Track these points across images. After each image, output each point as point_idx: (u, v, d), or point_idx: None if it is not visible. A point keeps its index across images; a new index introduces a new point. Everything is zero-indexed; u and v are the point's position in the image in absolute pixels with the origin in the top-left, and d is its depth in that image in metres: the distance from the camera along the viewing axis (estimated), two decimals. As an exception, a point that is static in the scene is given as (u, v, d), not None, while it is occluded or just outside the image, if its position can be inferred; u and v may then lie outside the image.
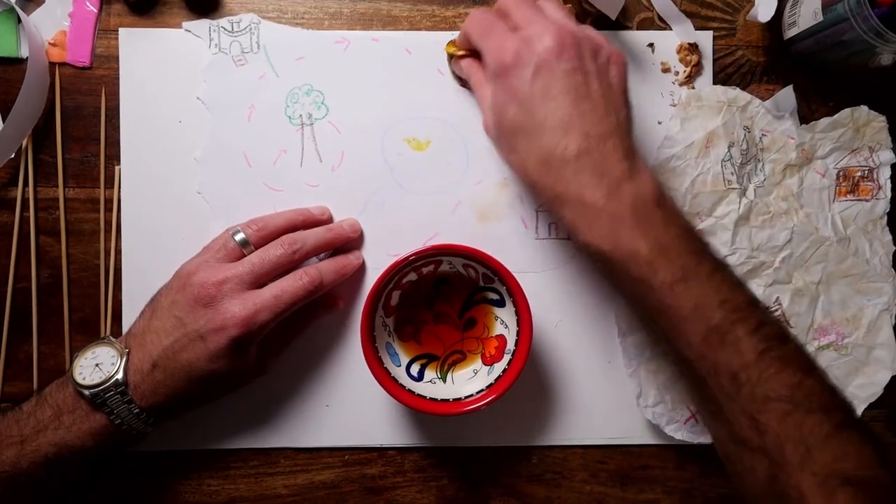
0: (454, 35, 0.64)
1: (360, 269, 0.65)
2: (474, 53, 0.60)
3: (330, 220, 0.65)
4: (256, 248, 0.59)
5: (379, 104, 0.65)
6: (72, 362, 0.56)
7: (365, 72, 0.65)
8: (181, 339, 0.56)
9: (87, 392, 0.55)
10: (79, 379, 0.55)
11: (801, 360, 0.50)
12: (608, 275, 0.54)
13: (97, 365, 0.56)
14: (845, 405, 0.49)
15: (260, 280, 0.58)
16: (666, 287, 0.49)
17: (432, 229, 0.65)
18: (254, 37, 0.65)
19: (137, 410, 0.56)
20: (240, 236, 0.59)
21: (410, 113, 0.66)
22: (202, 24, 0.65)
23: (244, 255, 0.59)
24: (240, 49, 0.65)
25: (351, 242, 0.64)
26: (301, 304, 0.58)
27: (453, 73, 0.65)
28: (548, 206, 0.54)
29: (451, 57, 0.64)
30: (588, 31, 0.56)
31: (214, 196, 0.65)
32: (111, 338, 0.58)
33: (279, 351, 0.63)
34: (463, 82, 0.65)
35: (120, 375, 0.55)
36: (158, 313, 0.57)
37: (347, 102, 0.65)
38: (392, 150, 0.65)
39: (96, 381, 0.55)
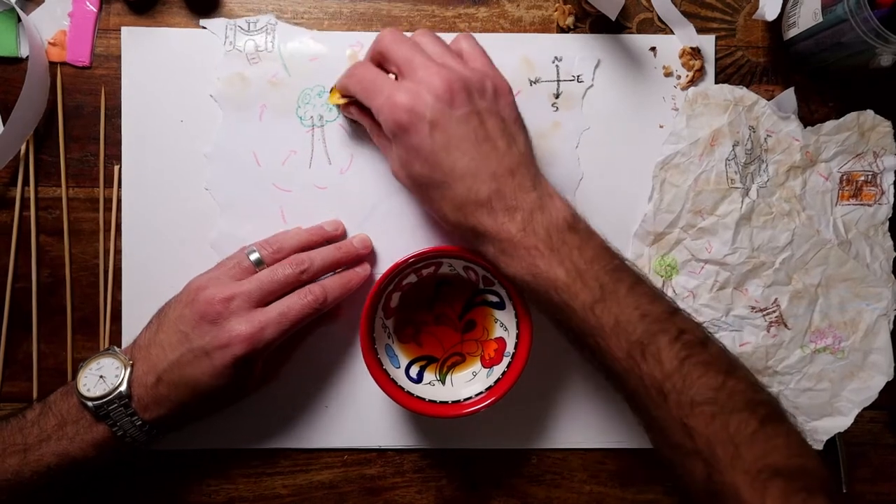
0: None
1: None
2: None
3: (343, 235, 0.65)
4: None
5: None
6: (76, 372, 0.56)
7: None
8: (186, 355, 0.56)
9: (90, 404, 0.55)
10: (83, 390, 0.55)
11: (722, 363, 0.51)
12: (534, 302, 0.56)
13: (101, 377, 0.55)
14: (769, 400, 0.51)
15: (266, 298, 0.58)
16: (587, 309, 0.51)
17: (440, 233, 0.65)
18: (269, 37, 0.65)
19: (140, 423, 0.56)
20: (255, 256, 0.59)
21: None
22: (219, 22, 0.65)
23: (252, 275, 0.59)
24: (254, 47, 0.65)
25: (361, 258, 0.64)
26: (306, 322, 0.58)
27: (344, 116, 0.64)
28: (470, 243, 0.56)
29: (336, 103, 0.63)
30: (470, 62, 0.57)
31: (222, 193, 0.65)
32: (116, 348, 0.58)
33: (281, 364, 0.63)
34: (355, 122, 0.64)
35: (123, 388, 0.55)
36: (165, 326, 0.57)
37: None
38: None
39: (100, 392, 0.55)
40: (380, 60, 0.58)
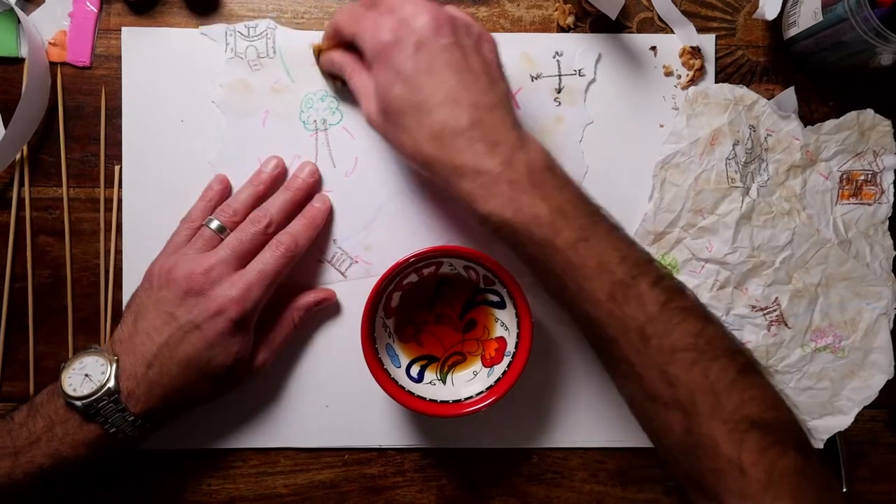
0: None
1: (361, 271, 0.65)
2: (343, 47, 0.60)
3: (285, 171, 0.65)
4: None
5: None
6: (60, 373, 0.56)
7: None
8: (175, 334, 0.56)
9: (78, 403, 0.54)
10: (69, 390, 0.55)
11: (699, 310, 0.51)
12: (511, 243, 0.54)
13: (86, 375, 0.55)
14: (744, 349, 0.51)
15: (242, 260, 0.59)
16: (569, 246, 0.50)
17: (445, 235, 0.65)
18: (269, 41, 0.65)
19: (132, 418, 0.55)
20: (215, 224, 0.60)
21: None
22: (218, 28, 0.65)
23: (221, 241, 0.60)
24: (255, 54, 0.65)
25: (314, 188, 0.65)
26: (286, 272, 0.59)
27: (323, 73, 0.64)
28: (444, 181, 0.54)
29: (318, 56, 0.63)
30: (455, 11, 0.57)
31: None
32: (97, 346, 0.58)
33: (276, 347, 0.62)
34: (334, 80, 0.64)
35: (112, 383, 0.55)
36: (144, 314, 0.57)
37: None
38: None
39: (87, 391, 0.54)
40: (369, 5, 0.57)
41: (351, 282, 0.65)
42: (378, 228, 0.65)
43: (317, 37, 0.64)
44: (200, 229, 0.60)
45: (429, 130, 0.53)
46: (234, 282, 0.57)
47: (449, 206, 0.65)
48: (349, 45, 0.59)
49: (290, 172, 0.65)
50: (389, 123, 0.55)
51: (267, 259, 0.58)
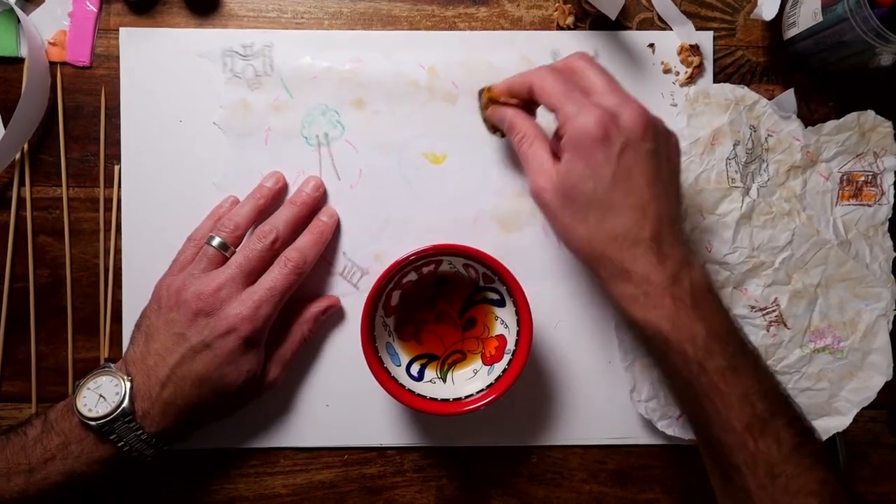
0: (452, 34, 0.64)
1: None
2: (522, 104, 0.59)
3: (286, 186, 0.65)
4: (235, 248, 0.60)
5: (394, 120, 0.66)
6: (74, 392, 0.56)
7: (379, 89, 0.65)
8: (187, 354, 0.56)
9: (93, 424, 0.54)
10: (84, 411, 0.55)
11: (827, 458, 0.52)
12: (658, 352, 0.54)
13: (101, 396, 0.55)
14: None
15: (250, 277, 0.59)
16: (718, 371, 0.51)
17: (454, 240, 0.65)
18: (267, 59, 0.65)
19: (146, 437, 0.55)
20: (217, 241, 0.60)
21: (426, 128, 0.66)
22: (215, 51, 0.65)
23: (226, 259, 0.59)
24: (253, 73, 0.65)
25: (320, 202, 0.65)
26: (296, 287, 0.60)
27: (485, 119, 0.62)
28: (605, 277, 0.54)
29: (487, 102, 0.61)
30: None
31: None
32: (111, 365, 0.57)
33: (287, 361, 0.63)
34: (494, 129, 0.62)
35: (127, 404, 0.55)
36: (155, 336, 0.57)
37: (363, 120, 0.65)
38: (410, 164, 0.66)
39: (103, 412, 0.54)
40: (568, 76, 0.56)
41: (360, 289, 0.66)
42: (387, 238, 0.65)
43: (480, 79, 0.62)
44: (203, 248, 0.60)
45: (610, 231, 0.52)
46: (243, 300, 0.57)
47: (456, 211, 0.66)
48: (525, 102, 0.59)
49: (295, 188, 0.65)
50: (566, 209, 0.54)
51: (276, 276, 0.58)
